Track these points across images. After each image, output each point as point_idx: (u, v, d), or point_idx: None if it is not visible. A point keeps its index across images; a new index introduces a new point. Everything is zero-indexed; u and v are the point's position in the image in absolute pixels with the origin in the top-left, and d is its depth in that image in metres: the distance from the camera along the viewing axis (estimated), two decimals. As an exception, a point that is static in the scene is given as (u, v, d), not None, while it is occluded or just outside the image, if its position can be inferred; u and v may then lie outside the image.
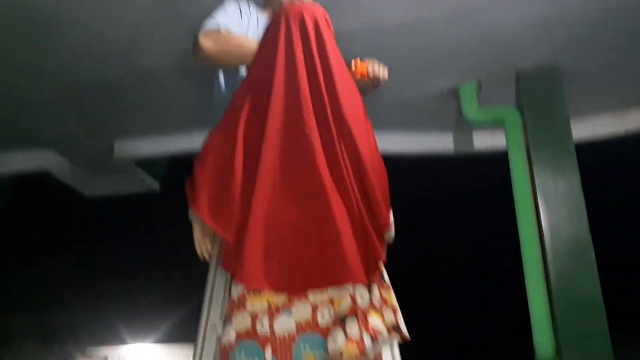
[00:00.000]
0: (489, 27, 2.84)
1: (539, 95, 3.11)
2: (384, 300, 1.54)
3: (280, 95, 1.58)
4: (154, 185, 4.46)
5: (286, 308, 1.48)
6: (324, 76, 1.58)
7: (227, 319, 1.49)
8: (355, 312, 1.43)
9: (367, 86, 1.88)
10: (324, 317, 1.47)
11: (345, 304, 1.46)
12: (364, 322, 1.43)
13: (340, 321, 1.44)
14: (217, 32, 1.84)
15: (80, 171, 4.31)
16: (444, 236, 4.74)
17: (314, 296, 1.49)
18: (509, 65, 3.17)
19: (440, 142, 3.90)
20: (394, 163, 3.91)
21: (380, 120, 3.72)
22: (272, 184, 1.53)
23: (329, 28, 1.67)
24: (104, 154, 3.95)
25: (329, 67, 1.58)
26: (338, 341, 1.40)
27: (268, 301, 1.48)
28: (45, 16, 2.67)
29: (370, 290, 1.51)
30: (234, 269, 1.49)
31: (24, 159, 4.08)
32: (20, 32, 2.79)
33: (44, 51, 2.94)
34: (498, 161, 3.29)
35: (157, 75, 2.90)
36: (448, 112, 3.52)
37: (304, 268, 1.50)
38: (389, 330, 1.49)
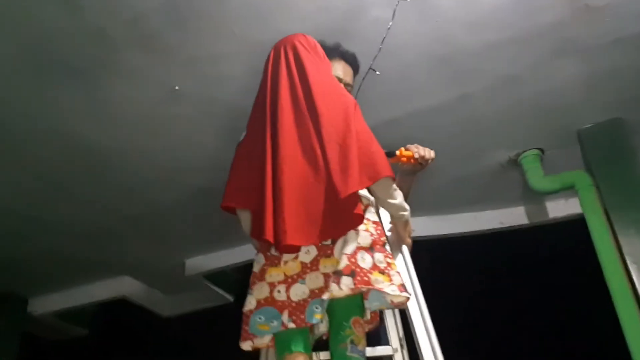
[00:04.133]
0: (538, 94, 2.76)
1: (607, 153, 2.92)
2: (389, 265, 1.66)
3: (267, 101, 1.84)
4: (228, 297, 4.47)
5: (300, 278, 1.64)
6: (301, 82, 1.82)
7: (248, 290, 1.67)
8: (350, 270, 1.58)
9: (416, 168, 2.03)
10: None
11: (342, 264, 1.59)
12: (362, 278, 1.57)
13: (336, 276, 1.58)
14: None
15: (155, 293, 4.42)
16: (526, 308, 4.45)
17: (324, 267, 1.62)
18: (568, 126, 3.02)
19: (511, 215, 3.72)
20: (464, 242, 3.77)
21: (445, 202, 3.64)
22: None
23: (306, 45, 1.93)
24: (176, 273, 4.03)
25: (306, 74, 1.82)
26: (332, 289, 1.55)
27: (284, 273, 1.66)
28: (104, 152, 2.87)
29: (373, 255, 1.66)
30: (260, 234, 1.59)
31: (102, 288, 4.23)
32: (83, 168, 2.98)
33: (106, 184, 3.11)
34: (577, 227, 3.06)
35: (215, 191, 2.97)
36: (513, 184, 3.38)
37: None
38: (399, 288, 1.60)
